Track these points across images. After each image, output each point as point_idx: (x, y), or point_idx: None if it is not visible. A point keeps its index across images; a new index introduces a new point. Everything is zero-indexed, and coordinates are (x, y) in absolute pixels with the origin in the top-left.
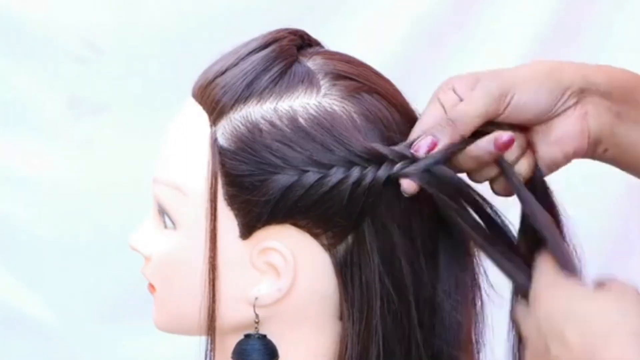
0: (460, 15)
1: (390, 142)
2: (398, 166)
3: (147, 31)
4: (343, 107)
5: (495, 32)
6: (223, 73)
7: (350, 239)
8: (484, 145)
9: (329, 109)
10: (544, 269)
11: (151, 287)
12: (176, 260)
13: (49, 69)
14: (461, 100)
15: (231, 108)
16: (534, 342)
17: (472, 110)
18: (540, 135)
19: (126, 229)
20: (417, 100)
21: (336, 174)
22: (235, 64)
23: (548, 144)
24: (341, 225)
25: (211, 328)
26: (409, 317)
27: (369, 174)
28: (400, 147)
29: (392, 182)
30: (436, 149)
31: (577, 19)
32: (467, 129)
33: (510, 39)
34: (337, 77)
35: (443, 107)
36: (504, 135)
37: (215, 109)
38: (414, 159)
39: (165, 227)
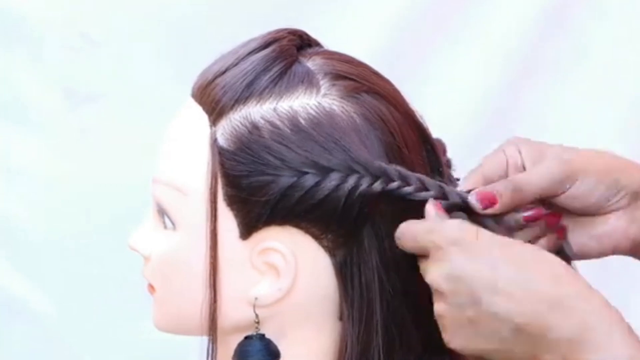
0: (447, 10)
1: (390, 142)
2: (394, 184)
3: (142, 22)
4: (342, 107)
5: (483, 26)
6: (223, 73)
7: (349, 241)
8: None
9: (329, 109)
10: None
11: (150, 287)
12: (176, 260)
13: (44, 61)
14: (523, 166)
15: (231, 108)
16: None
17: (534, 184)
18: (581, 225)
19: (123, 218)
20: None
21: (334, 179)
22: (234, 64)
23: (588, 237)
24: (340, 229)
25: (213, 328)
26: (408, 317)
27: (364, 183)
28: (400, 169)
29: (388, 192)
30: (493, 208)
31: (565, 14)
32: (524, 198)
33: (497, 35)
34: (337, 77)
35: (507, 161)
36: (532, 210)
37: (215, 109)
38: (414, 183)
39: (165, 227)
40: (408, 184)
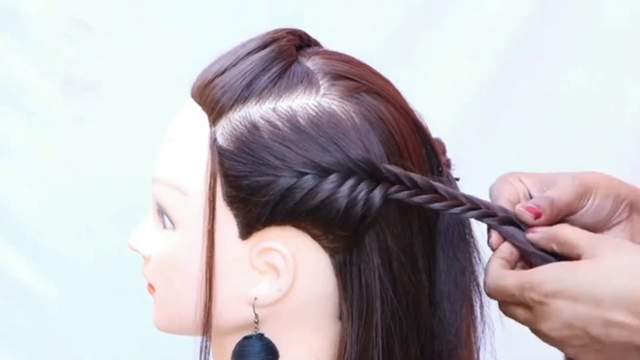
0: (441, 2)
1: (390, 142)
2: (393, 189)
3: (137, 9)
4: (342, 107)
5: (476, 18)
6: (222, 73)
7: (350, 241)
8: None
9: (328, 109)
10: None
11: (150, 287)
12: (175, 260)
13: (40, 49)
14: (529, 194)
15: (230, 108)
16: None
17: (563, 200)
18: None
19: (121, 207)
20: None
21: (334, 181)
22: (234, 65)
23: None
24: (340, 230)
25: (207, 327)
26: (408, 317)
27: (363, 185)
28: (398, 170)
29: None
30: (540, 219)
31: (560, 5)
32: (559, 213)
33: (491, 27)
34: (337, 77)
35: (517, 190)
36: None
37: (215, 109)
38: (410, 184)
39: (165, 227)
40: (407, 187)
